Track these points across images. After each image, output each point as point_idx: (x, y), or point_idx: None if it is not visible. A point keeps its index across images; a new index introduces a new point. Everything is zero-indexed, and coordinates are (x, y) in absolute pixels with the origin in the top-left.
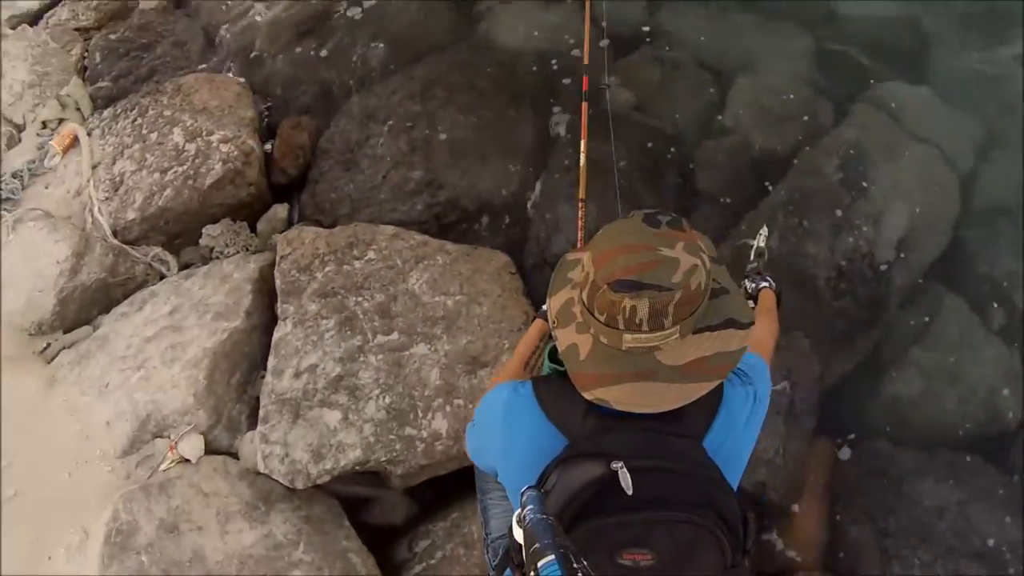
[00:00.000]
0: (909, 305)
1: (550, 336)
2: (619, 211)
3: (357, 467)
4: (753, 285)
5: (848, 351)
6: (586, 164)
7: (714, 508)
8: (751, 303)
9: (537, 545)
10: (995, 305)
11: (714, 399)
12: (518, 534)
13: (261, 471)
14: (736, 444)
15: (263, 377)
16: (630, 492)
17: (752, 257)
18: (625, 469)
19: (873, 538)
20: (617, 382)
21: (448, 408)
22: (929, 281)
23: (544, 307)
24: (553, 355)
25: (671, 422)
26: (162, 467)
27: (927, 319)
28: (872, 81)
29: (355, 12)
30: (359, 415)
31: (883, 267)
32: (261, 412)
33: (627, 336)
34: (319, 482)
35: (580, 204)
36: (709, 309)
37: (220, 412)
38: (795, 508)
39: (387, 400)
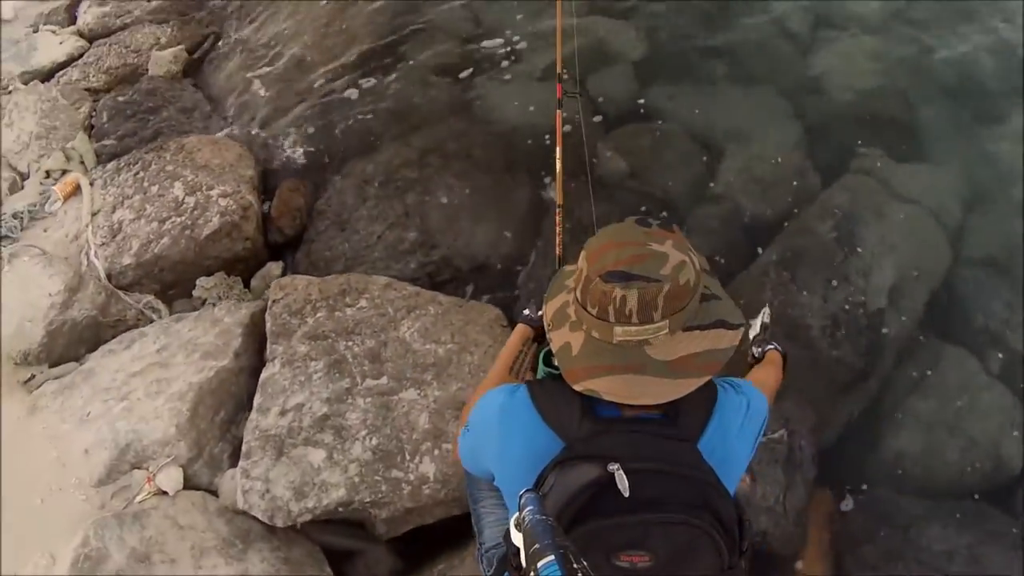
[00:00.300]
0: (907, 356)
1: (533, 340)
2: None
3: (340, 508)
4: (759, 349)
5: (846, 402)
6: (562, 171)
7: (710, 510)
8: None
9: (537, 546)
10: (993, 352)
11: (708, 402)
12: (516, 537)
13: (240, 507)
14: (730, 449)
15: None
16: (627, 494)
17: (759, 330)
18: (621, 471)
19: None
20: (607, 373)
21: (436, 452)
22: (925, 332)
23: (525, 311)
24: (547, 359)
25: (666, 424)
26: (138, 498)
27: (926, 369)
28: (860, 147)
29: (352, 92)
30: (344, 455)
31: (878, 321)
32: (244, 448)
33: (617, 329)
34: (300, 520)
35: (558, 211)
36: (700, 311)
37: (202, 446)
38: (800, 559)
39: (374, 441)
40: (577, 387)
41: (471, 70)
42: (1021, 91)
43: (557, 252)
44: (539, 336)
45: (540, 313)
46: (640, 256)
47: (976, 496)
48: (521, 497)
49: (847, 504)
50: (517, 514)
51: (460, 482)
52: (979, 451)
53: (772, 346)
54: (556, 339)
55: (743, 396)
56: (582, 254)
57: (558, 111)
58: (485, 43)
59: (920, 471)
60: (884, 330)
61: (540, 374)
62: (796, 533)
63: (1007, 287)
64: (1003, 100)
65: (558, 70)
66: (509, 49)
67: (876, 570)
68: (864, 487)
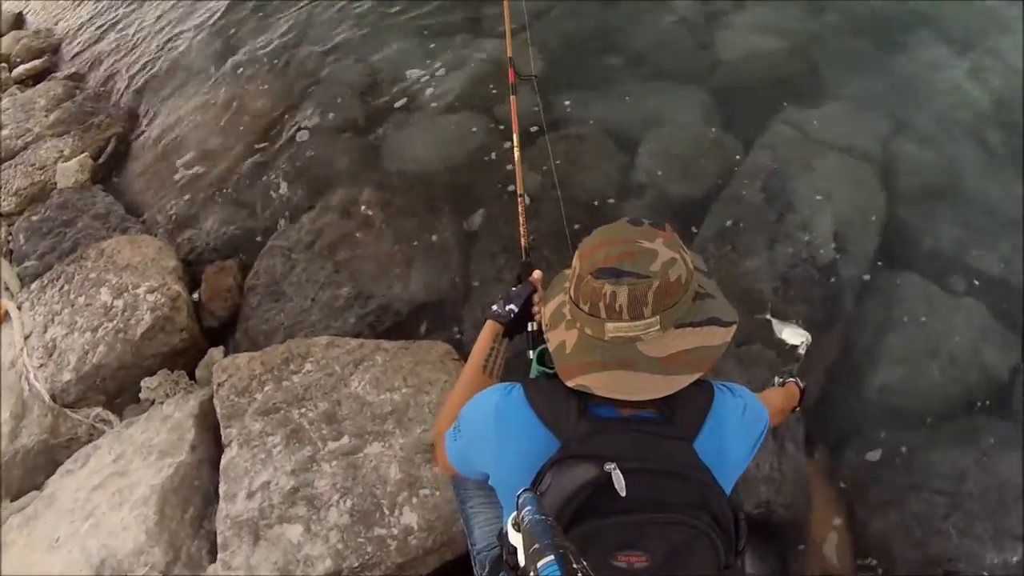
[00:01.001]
0: (867, 296)
1: (503, 335)
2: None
3: None
4: (781, 380)
5: (816, 354)
6: (520, 158)
7: (707, 509)
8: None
9: (536, 546)
10: (951, 271)
11: (704, 402)
12: (515, 537)
13: None
14: (727, 450)
15: None
16: (624, 494)
17: (795, 342)
18: (618, 471)
19: (901, 523)
20: (599, 370)
21: (415, 500)
22: (880, 269)
23: (493, 307)
24: (541, 358)
25: (662, 424)
26: None
27: (890, 303)
28: (772, 108)
29: (262, 166)
30: (322, 524)
31: (829, 269)
32: (219, 539)
33: (609, 325)
34: None
35: (519, 200)
36: (693, 308)
37: (177, 548)
38: (809, 519)
39: (348, 504)
40: (570, 383)
41: (376, 121)
42: (916, 21)
43: (522, 243)
44: (508, 331)
45: (508, 308)
46: (630, 253)
47: (972, 411)
48: (519, 497)
49: (845, 452)
50: (515, 514)
51: (447, 526)
52: (961, 366)
53: (794, 379)
54: (553, 338)
55: (740, 398)
56: (576, 253)
57: (512, 96)
58: (384, 93)
59: (909, 401)
60: (838, 277)
61: (534, 373)
62: (800, 494)
63: (950, 207)
64: (901, 33)
65: (508, 54)
66: (409, 95)
67: (891, 510)
68: (858, 431)
